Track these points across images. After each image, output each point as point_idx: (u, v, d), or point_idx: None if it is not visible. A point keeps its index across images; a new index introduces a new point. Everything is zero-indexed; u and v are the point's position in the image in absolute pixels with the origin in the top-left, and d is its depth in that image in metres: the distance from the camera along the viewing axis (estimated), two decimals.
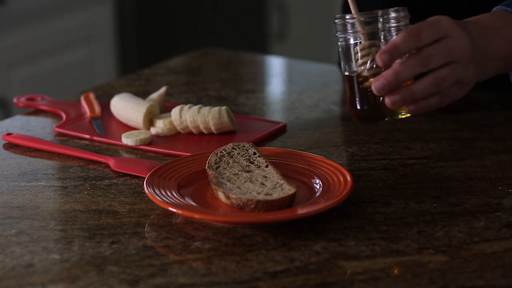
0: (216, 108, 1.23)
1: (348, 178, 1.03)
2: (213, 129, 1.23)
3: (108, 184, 1.09)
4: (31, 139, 1.22)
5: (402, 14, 1.05)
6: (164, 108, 1.32)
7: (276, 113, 1.41)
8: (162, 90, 1.34)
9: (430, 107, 1.03)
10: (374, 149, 1.18)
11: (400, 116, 1.06)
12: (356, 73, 1.06)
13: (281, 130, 1.27)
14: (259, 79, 1.61)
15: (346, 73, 1.07)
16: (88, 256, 0.92)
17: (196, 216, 0.96)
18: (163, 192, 1.01)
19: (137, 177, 1.11)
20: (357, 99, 1.06)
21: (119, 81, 1.53)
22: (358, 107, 1.07)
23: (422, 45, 1.01)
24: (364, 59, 1.05)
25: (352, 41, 1.06)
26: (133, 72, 1.58)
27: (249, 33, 3.30)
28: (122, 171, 1.12)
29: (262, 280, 0.87)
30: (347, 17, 1.05)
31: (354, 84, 1.06)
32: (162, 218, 1.00)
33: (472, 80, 1.04)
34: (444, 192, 1.06)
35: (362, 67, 1.05)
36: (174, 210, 0.97)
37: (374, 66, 1.04)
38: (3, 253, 0.92)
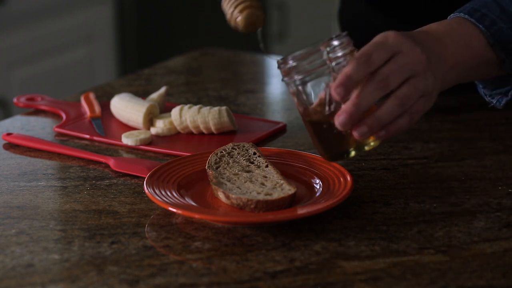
0: (216, 108, 1.23)
1: (348, 178, 1.03)
2: (213, 129, 1.23)
3: (108, 184, 1.09)
4: (31, 139, 1.22)
5: (345, 40, 0.99)
6: (164, 108, 1.32)
7: (276, 113, 1.41)
8: (162, 90, 1.34)
9: (401, 128, 0.99)
10: (374, 149, 1.18)
11: (368, 147, 1.01)
12: (315, 114, 1.00)
13: (281, 130, 1.27)
14: (259, 79, 1.61)
15: (305, 114, 1.01)
16: (88, 256, 0.92)
17: (196, 216, 0.96)
18: (163, 192, 1.01)
19: (137, 177, 1.11)
20: (322, 140, 1.02)
21: (119, 81, 1.53)
22: (325, 148, 1.02)
23: (374, 68, 0.96)
24: (320, 100, 0.99)
25: (301, 83, 0.99)
26: (133, 72, 1.58)
27: (249, 33, 3.30)
28: (122, 171, 1.12)
29: (262, 280, 0.87)
30: (290, 60, 0.99)
31: (315, 126, 1.01)
32: (162, 218, 1.00)
33: (434, 89, 1.00)
34: (444, 192, 1.06)
35: (319, 107, 0.99)
36: (174, 210, 0.97)
37: (333, 104, 0.98)
38: (3, 253, 0.92)
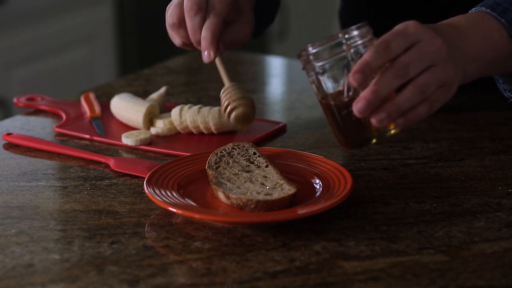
0: (216, 108, 1.23)
1: (348, 178, 1.03)
2: (213, 129, 1.23)
3: (108, 184, 1.09)
4: (31, 139, 1.22)
5: (364, 29, 0.99)
6: (164, 108, 1.32)
7: (276, 113, 1.41)
8: (162, 90, 1.34)
9: (420, 116, 0.98)
10: (374, 149, 1.18)
11: (388, 134, 1.00)
12: (334, 101, 1.00)
13: (281, 130, 1.27)
14: (259, 79, 1.61)
15: (324, 102, 1.01)
16: (88, 256, 0.92)
17: (196, 216, 0.96)
18: (163, 192, 1.01)
19: (137, 177, 1.11)
20: (341, 127, 1.01)
21: (119, 81, 1.53)
22: (345, 135, 1.02)
23: (393, 56, 0.96)
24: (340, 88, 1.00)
25: (320, 71, 1.00)
26: (133, 72, 1.58)
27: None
28: (122, 171, 1.12)
29: (262, 280, 0.87)
30: (309, 47, 1.00)
31: (335, 113, 1.01)
32: (162, 218, 1.00)
33: (455, 79, 1.00)
34: (444, 192, 1.06)
35: (339, 94, 1.00)
36: (174, 210, 0.97)
37: (352, 91, 0.99)
38: (3, 253, 0.92)
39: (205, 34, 1.13)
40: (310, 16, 3.65)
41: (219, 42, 1.14)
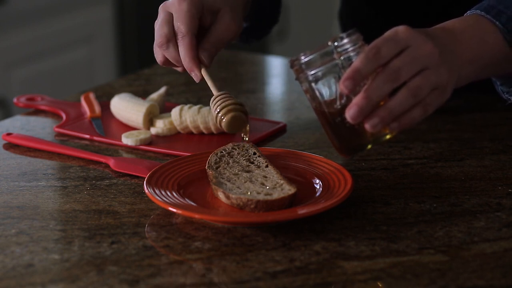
0: None
1: (348, 178, 1.03)
2: (213, 129, 1.23)
3: (108, 184, 1.09)
4: (31, 139, 1.22)
5: (354, 36, 0.99)
6: (164, 108, 1.32)
7: (276, 113, 1.41)
8: (162, 90, 1.34)
9: (414, 120, 0.97)
10: (374, 149, 1.18)
11: (384, 139, 1.00)
12: (328, 109, 1.01)
13: (281, 130, 1.28)
14: (259, 79, 1.61)
15: (318, 109, 1.02)
16: (88, 256, 0.92)
17: (196, 216, 0.96)
18: (163, 192, 1.01)
19: (137, 177, 1.11)
20: (336, 134, 1.02)
21: (119, 81, 1.53)
22: (340, 142, 1.02)
23: (384, 61, 0.96)
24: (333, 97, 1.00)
25: (313, 79, 1.00)
26: (133, 72, 1.58)
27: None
28: (122, 171, 1.12)
29: (262, 280, 0.87)
30: (302, 56, 1.00)
31: (329, 121, 1.01)
32: (162, 218, 1.00)
33: (448, 83, 0.99)
34: (444, 192, 1.06)
35: (332, 102, 1.00)
36: (174, 210, 0.97)
37: (344, 98, 0.99)
38: (3, 253, 0.92)
39: (183, 58, 1.12)
40: (310, 16, 3.65)
41: (200, 56, 1.13)
